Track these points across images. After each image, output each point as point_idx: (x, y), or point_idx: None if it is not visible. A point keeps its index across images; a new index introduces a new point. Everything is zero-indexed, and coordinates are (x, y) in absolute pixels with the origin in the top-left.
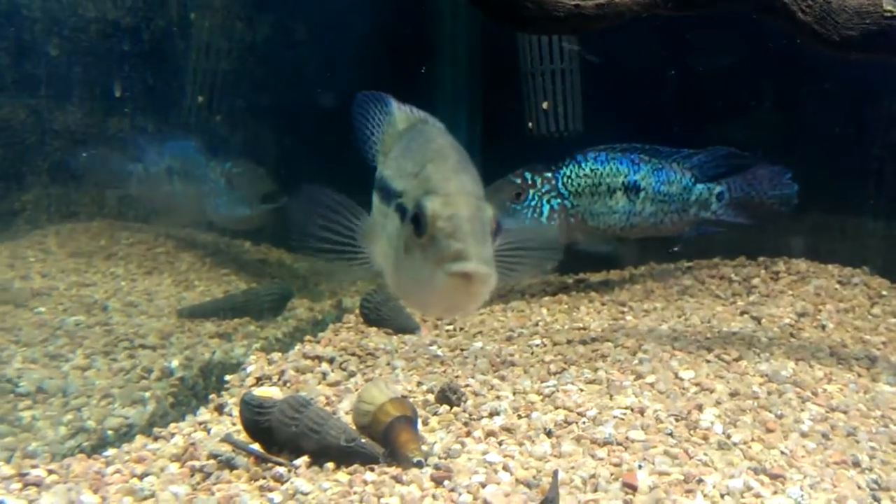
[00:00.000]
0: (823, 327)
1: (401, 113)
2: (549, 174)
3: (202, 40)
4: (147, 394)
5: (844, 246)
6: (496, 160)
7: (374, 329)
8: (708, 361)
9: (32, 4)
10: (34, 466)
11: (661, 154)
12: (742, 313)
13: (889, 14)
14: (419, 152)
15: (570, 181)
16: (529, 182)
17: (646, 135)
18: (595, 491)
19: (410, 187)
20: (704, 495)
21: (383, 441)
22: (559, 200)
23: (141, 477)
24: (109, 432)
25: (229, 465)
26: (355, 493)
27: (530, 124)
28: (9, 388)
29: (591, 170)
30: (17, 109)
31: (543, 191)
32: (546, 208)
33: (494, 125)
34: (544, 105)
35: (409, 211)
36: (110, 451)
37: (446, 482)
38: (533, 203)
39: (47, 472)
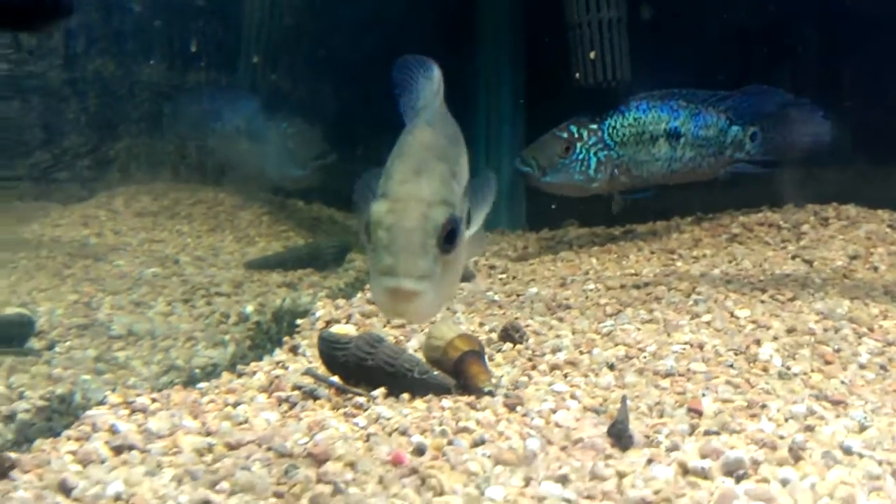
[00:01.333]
0: (876, 269)
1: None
2: (595, 126)
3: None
4: (227, 336)
5: (893, 192)
6: (540, 112)
7: None
8: (763, 301)
9: None
10: (138, 395)
11: (698, 98)
12: (794, 257)
13: None
14: (400, 143)
15: (615, 132)
16: (576, 136)
17: (691, 82)
18: (661, 416)
19: (380, 185)
20: (769, 419)
21: (454, 374)
22: (606, 152)
23: (234, 405)
24: (197, 370)
25: (312, 395)
26: (434, 417)
27: (577, 75)
28: (102, 330)
29: (635, 119)
30: (106, 62)
31: (590, 143)
32: (593, 161)
33: (538, 77)
34: (591, 55)
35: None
36: (202, 385)
37: (518, 408)
38: (580, 157)
39: (150, 401)
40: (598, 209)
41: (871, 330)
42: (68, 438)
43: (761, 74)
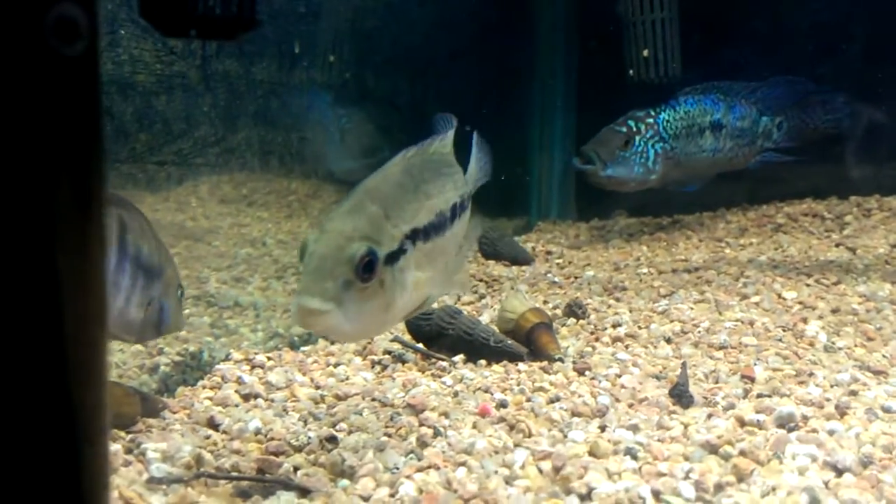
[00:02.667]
0: None
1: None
2: (651, 120)
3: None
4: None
5: None
6: (592, 109)
7: (492, 262)
8: (808, 285)
9: None
10: (256, 353)
11: (733, 90)
12: (837, 245)
13: None
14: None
15: (669, 125)
16: (634, 129)
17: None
18: (717, 382)
19: None
20: (816, 385)
21: (526, 343)
22: (662, 144)
23: (335, 366)
24: (296, 338)
25: (401, 359)
26: (512, 378)
27: (631, 71)
28: (213, 301)
29: (685, 112)
30: (232, 63)
31: (647, 136)
32: (651, 153)
33: (590, 74)
34: (644, 53)
35: None
36: (305, 348)
37: (587, 372)
38: (639, 149)
39: (266, 359)
40: (645, 200)
41: None
42: (204, 387)
43: (806, 69)
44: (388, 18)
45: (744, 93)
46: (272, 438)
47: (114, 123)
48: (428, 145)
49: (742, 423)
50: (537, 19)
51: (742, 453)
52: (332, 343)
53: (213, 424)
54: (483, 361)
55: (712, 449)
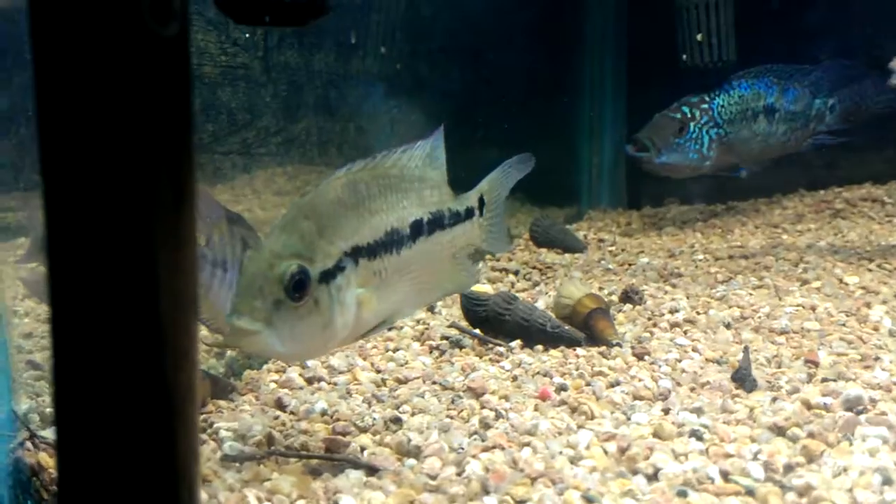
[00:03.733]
0: None
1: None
2: (706, 105)
3: None
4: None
5: None
6: (642, 95)
7: (544, 249)
8: (870, 270)
9: None
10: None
11: (785, 73)
12: None
13: None
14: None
15: (723, 110)
16: (689, 115)
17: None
18: (779, 367)
19: None
20: (882, 369)
21: (583, 328)
22: (716, 130)
23: (394, 350)
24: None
25: (458, 345)
26: (570, 363)
27: (684, 56)
28: None
29: (739, 96)
30: (293, 54)
31: (702, 122)
32: (706, 139)
33: (641, 60)
34: (699, 37)
35: None
36: None
37: (646, 357)
38: (694, 136)
39: None
40: (697, 187)
41: None
42: (269, 371)
43: (862, 52)
44: (439, 5)
45: (797, 76)
46: (338, 419)
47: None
48: (383, 159)
49: (808, 406)
50: (588, 4)
51: (811, 435)
52: (387, 330)
53: (280, 405)
54: (540, 347)
55: (780, 431)
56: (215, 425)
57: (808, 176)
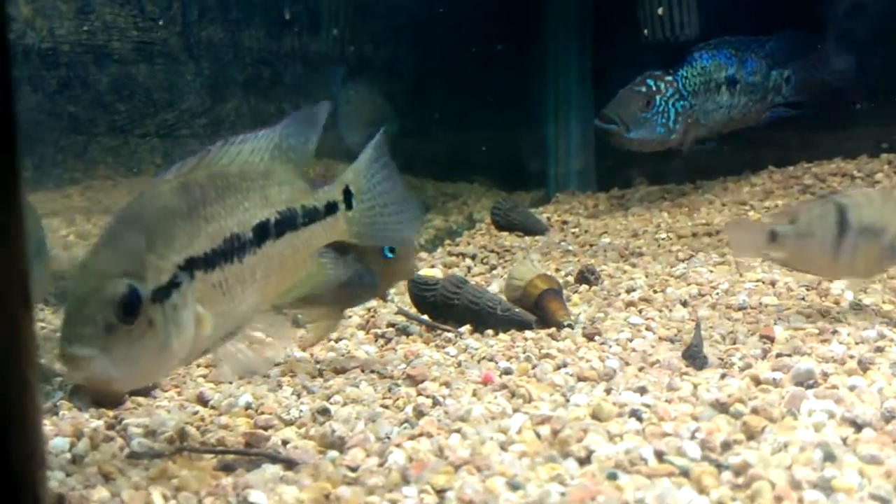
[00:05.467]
0: None
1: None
2: (670, 78)
3: None
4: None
5: None
6: (607, 74)
7: (505, 233)
8: None
9: None
10: (254, 331)
11: (743, 45)
12: None
13: None
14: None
15: (687, 82)
16: (654, 88)
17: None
18: (734, 343)
19: None
20: (840, 342)
21: (534, 310)
22: (682, 102)
23: (336, 341)
24: (300, 316)
25: (405, 332)
26: (518, 346)
27: (646, 31)
28: None
29: (702, 67)
30: (217, 29)
31: (668, 95)
32: (672, 112)
33: (606, 38)
34: (659, 11)
35: None
36: (310, 325)
37: (597, 338)
38: (661, 109)
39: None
40: (667, 167)
41: None
42: (198, 365)
43: (839, 28)
44: None
45: (753, 47)
46: (262, 412)
47: (88, 95)
48: (219, 154)
49: (757, 381)
50: None
51: (754, 411)
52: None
53: (202, 400)
54: (490, 331)
55: (722, 408)
56: (125, 422)
57: (778, 152)
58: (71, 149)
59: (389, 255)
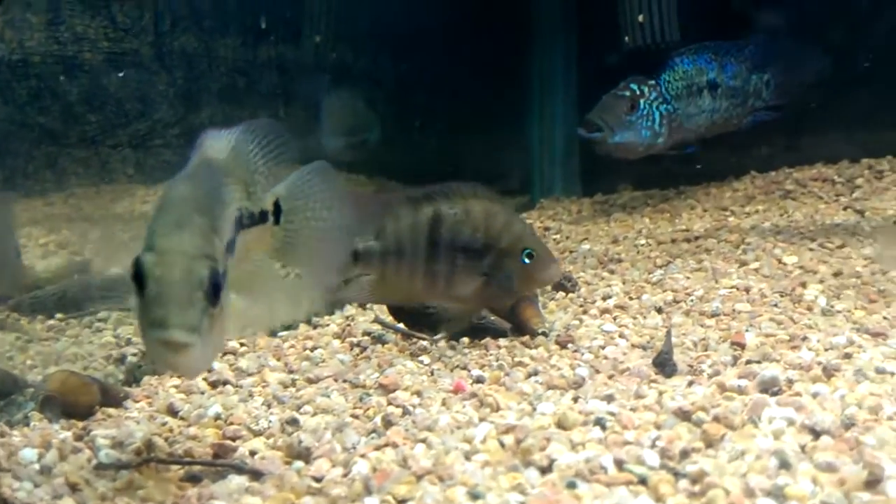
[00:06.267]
0: None
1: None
2: (653, 81)
3: None
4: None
5: None
6: (592, 80)
7: None
8: (811, 249)
9: None
10: (228, 340)
11: (722, 49)
12: (845, 208)
13: None
14: (162, 198)
15: (670, 85)
16: (638, 92)
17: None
18: (706, 350)
19: (146, 238)
20: (809, 349)
21: (510, 318)
22: (666, 106)
23: (312, 349)
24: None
25: (381, 340)
26: (491, 354)
27: (627, 38)
28: None
29: (684, 72)
30: (190, 39)
31: (652, 98)
32: (657, 115)
33: (591, 44)
34: (640, 18)
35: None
36: (283, 333)
37: (570, 345)
38: (645, 112)
39: (240, 345)
40: (651, 172)
41: None
42: (171, 376)
43: (814, 31)
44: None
45: (733, 51)
46: (231, 423)
47: (59, 106)
48: (209, 148)
49: (723, 389)
50: None
51: (715, 419)
52: (313, 329)
53: (171, 411)
54: (466, 340)
55: (685, 416)
56: (93, 433)
57: (761, 157)
58: (42, 160)
59: (527, 260)
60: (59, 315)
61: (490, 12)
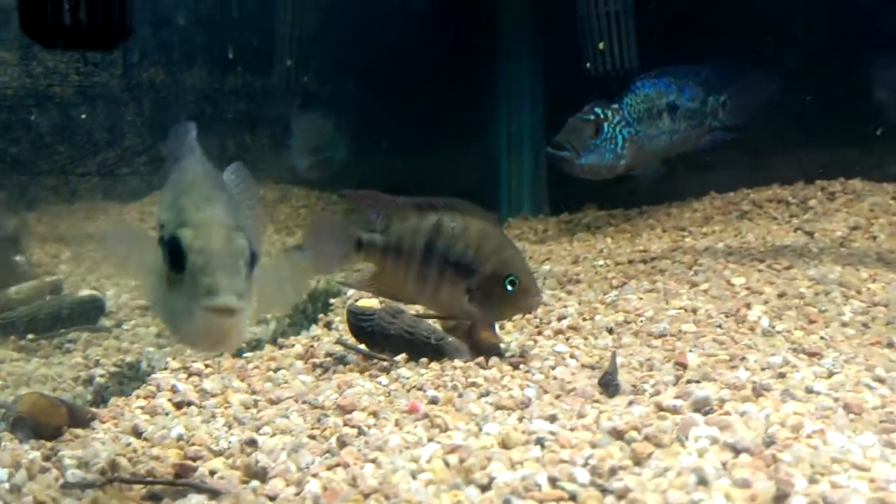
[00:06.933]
0: (874, 238)
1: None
2: (616, 105)
3: (291, 7)
4: (269, 315)
5: None
6: (559, 100)
7: None
8: (760, 270)
9: None
10: (194, 361)
11: (680, 73)
12: (796, 230)
13: None
14: (176, 182)
15: (632, 109)
16: (602, 116)
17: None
18: (650, 370)
19: (168, 219)
20: (746, 369)
21: (467, 339)
22: (628, 129)
23: (275, 370)
24: (243, 344)
25: (342, 361)
26: (447, 375)
27: (588, 64)
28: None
29: (645, 95)
30: (158, 71)
31: (615, 122)
32: (619, 138)
33: (557, 66)
34: (600, 45)
35: (164, 244)
36: (248, 354)
37: (522, 366)
38: (609, 135)
39: (204, 366)
40: (616, 192)
41: (859, 292)
42: (137, 397)
43: (771, 56)
44: (332, 21)
45: (690, 74)
46: (193, 444)
47: (30, 137)
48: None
49: (660, 408)
50: (499, 14)
51: (646, 438)
52: (278, 349)
53: (136, 432)
54: (425, 360)
55: (618, 435)
56: (60, 453)
57: (722, 177)
58: (12, 189)
59: (510, 287)
60: (30, 336)
61: (458, 35)
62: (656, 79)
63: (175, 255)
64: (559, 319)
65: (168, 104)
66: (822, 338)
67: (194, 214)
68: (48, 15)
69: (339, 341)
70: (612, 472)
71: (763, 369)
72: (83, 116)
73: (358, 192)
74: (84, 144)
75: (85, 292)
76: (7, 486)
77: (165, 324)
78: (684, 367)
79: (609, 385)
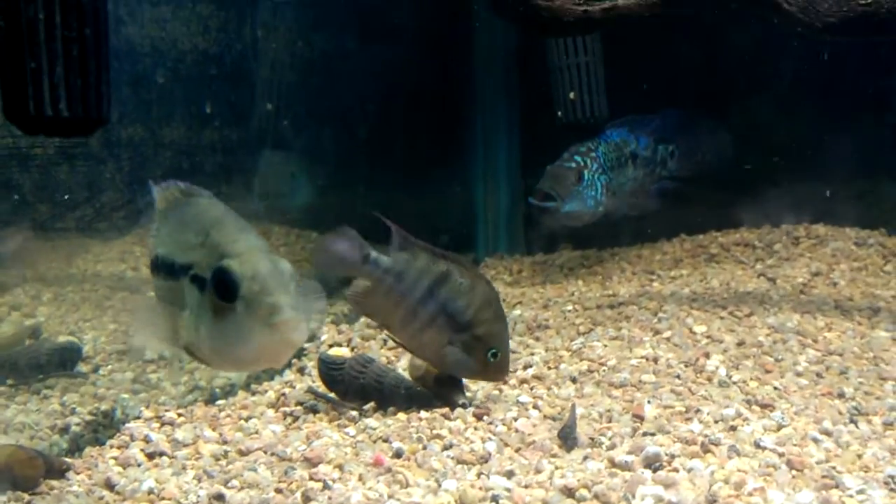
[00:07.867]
0: (835, 284)
1: (160, 192)
2: (594, 153)
3: (270, 59)
4: None
5: (861, 210)
6: (534, 141)
7: None
8: (721, 318)
9: (143, 42)
10: (167, 410)
11: (636, 122)
12: (759, 275)
13: (864, 3)
14: (196, 223)
15: (606, 157)
16: (582, 164)
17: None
18: (609, 421)
19: (200, 257)
20: (700, 421)
21: (435, 388)
22: (605, 176)
23: (246, 419)
24: (217, 389)
25: (313, 410)
26: (413, 426)
27: (559, 113)
28: (138, 355)
29: (615, 144)
30: (137, 128)
31: (593, 169)
32: (598, 185)
33: (532, 108)
34: (571, 95)
35: (209, 279)
36: (220, 402)
37: (485, 417)
38: (589, 182)
39: (177, 415)
40: (590, 232)
41: (815, 341)
42: (111, 447)
43: (737, 110)
44: (312, 68)
45: (643, 123)
46: (163, 498)
47: (11, 197)
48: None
49: (613, 464)
50: (475, 59)
51: (595, 496)
52: (251, 395)
53: (109, 485)
54: (392, 409)
55: (569, 493)
56: None
57: (693, 220)
58: None
59: (490, 359)
60: (9, 381)
61: (436, 78)
62: (621, 127)
63: (225, 285)
64: (524, 368)
65: (146, 159)
66: (775, 388)
67: (234, 245)
68: (30, 106)
69: (309, 390)
70: None
71: (716, 421)
72: (63, 174)
73: (388, 220)
74: (63, 201)
75: (62, 338)
76: None
77: (213, 354)
78: (641, 419)
79: (567, 438)
